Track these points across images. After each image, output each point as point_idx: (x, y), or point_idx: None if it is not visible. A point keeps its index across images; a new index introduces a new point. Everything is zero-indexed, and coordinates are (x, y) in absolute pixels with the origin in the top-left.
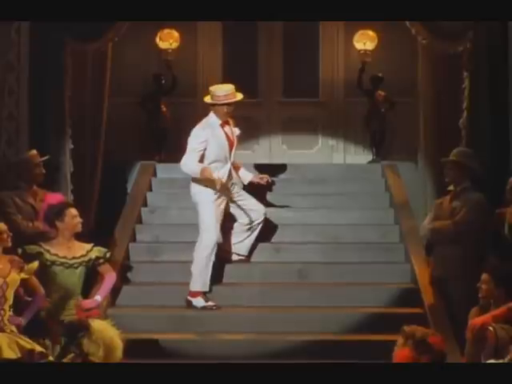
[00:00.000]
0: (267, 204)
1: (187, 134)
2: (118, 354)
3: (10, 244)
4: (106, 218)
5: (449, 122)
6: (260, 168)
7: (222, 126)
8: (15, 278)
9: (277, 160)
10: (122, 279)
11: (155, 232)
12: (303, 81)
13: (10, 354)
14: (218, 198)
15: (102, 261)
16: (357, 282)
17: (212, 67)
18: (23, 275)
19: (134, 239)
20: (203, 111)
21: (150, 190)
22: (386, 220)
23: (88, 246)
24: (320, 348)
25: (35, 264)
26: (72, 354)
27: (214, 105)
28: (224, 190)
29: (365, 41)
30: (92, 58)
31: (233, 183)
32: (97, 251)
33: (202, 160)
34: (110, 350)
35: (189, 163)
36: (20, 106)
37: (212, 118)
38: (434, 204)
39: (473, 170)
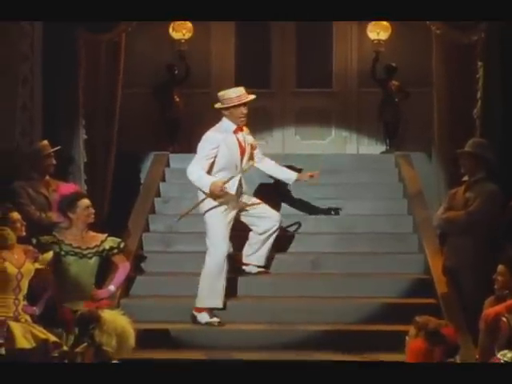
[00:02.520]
0: (280, 194)
1: (200, 124)
2: (131, 343)
3: (24, 233)
4: (120, 208)
5: (463, 111)
6: (273, 159)
7: (236, 132)
8: (30, 267)
9: (290, 150)
10: (136, 269)
11: (168, 222)
12: (317, 71)
13: (25, 343)
14: (227, 208)
15: (115, 251)
16: (370, 273)
17: (225, 57)
18: (38, 265)
19: (147, 229)
20: (216, 101)
21: (164, 180)
22: (399, 210)
23: (102, 237)
24: (333, 338)
25: (50, 254)
26: (85, 344)
27: (227, 108)
28: (232, 201)
29: (378, 30)
30: (105, 49)
31: (242, 193)
32: (110, 241)
33: (210, 167)
34: (123, 339)
35: (195, 172)
36: (34, 96)
37: (225, 123)
38: (448, 194)
39: (488, 160)
